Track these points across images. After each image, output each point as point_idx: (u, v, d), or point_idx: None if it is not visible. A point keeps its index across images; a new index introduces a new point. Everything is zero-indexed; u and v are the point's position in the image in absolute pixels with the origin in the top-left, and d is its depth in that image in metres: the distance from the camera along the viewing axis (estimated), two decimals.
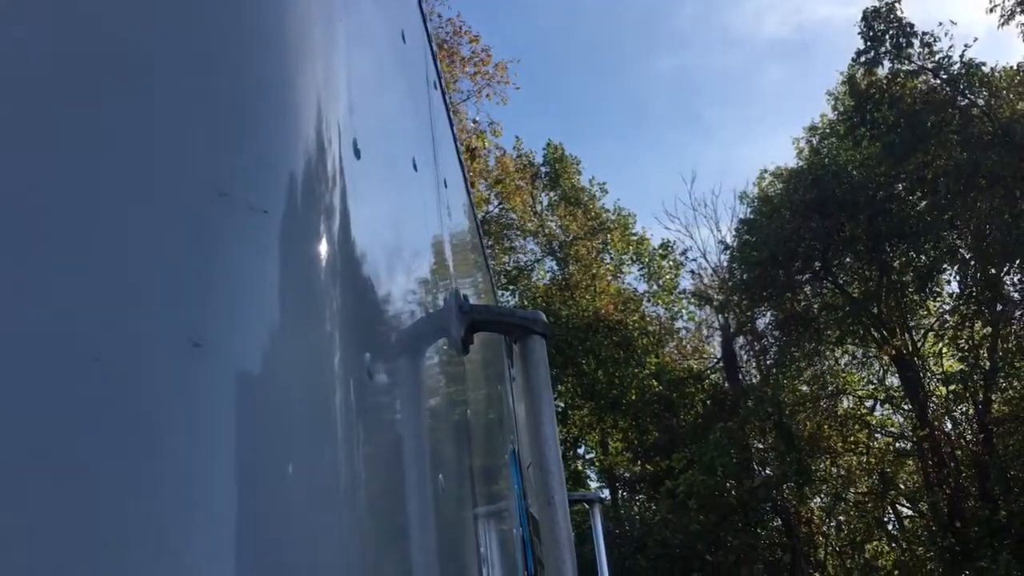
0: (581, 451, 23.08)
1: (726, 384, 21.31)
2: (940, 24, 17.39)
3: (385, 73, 1.05)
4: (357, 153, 0.75)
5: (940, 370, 18.53)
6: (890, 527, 19.35)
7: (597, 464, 23.14)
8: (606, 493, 21.63)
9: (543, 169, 24.59)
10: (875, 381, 20.18)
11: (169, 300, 0.51)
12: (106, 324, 0.49)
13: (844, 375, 20.17)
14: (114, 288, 0.50)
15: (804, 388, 19.92)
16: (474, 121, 19.39)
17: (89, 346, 0.47)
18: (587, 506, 4.47)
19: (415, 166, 1.16)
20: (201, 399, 0.51)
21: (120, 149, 0.53)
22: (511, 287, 22.87)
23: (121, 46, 0.57)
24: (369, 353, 0.72)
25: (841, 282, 19.20)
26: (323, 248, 0.64)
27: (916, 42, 16.96)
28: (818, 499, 18.88)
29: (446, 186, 1.54)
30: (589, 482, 22.54)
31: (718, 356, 22.54)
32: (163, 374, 0.49)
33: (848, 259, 19.10)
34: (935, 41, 16.95)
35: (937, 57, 17.01)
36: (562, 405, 20.98)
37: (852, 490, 19.12)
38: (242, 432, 0.51)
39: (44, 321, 0.47)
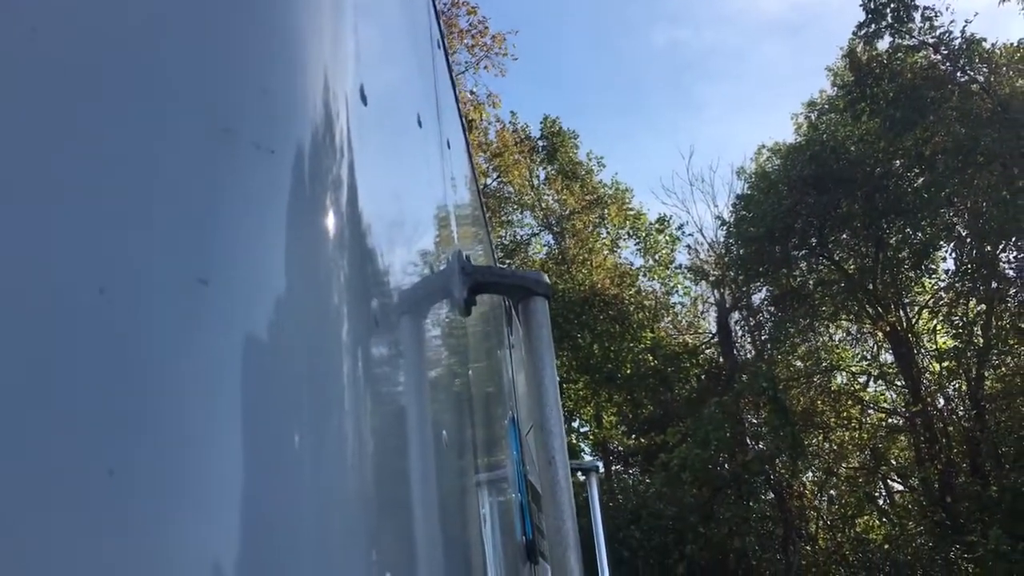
0: (576, 424, 23.16)
1: (721, 359, 21.36)
2: None
3: (391, 23, 1.03)
4: (364, 99, 0.74)
5: (934, 347, 18.59)
6: (881, 502, 19.50)
7: (591, 437, 23.24)
8: (600, 465, 21.71)
9: (540, 143, 24.45)
10: (869, 357, 20.23)
11: (176, 235, 0.50)
12: (111, 257, 0.48)
13: (838, 351, 20.22)
14: (119, 221, 0.49)
15: (798, 364, 19.98)
16: (471, 92, 19.27)
17: (94, 277, 0.46)
18: (582, 476, 4.51)
19: (420, 122, 1.15)
20: (207, 335, 0.50)
21: (124, 82, 0.52)
22: (508, 260, 22.82)
23: None
24: (376, 300, 0.71)
25: (837, 258, 19.19)
26: (330, 191, 0.63)
27: (917, 16, 16.83)
28: (810, 474, 18.98)
29: (449, 147, 1.52)
30: (583, 455, 22.63)
31: (713, 331, 22.57)
32: (169, 309, 0.48)
33: (844, 235, 19.07)
34: (936, 16, 16.83)
35: (938, 32, 16.87)
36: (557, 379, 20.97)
37: (844, 465, 19.23)
38: (248, 369, 0.51)
39: (48, 251, 0.46)
